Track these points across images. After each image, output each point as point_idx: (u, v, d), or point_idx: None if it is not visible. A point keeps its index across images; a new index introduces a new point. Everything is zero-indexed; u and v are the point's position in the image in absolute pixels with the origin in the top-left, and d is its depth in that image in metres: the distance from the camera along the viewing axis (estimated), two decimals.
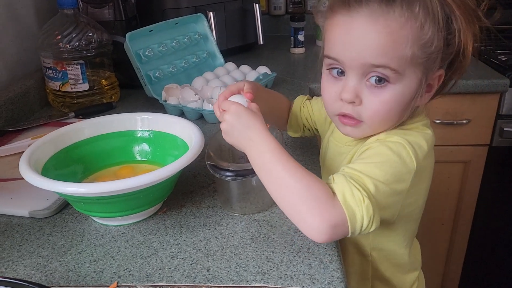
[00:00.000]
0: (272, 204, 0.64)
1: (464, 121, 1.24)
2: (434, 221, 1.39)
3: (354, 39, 0.50)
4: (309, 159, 0.76)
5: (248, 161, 0.55)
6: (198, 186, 0.70)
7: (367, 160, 0.52)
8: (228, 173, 0.59)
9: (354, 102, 0.53)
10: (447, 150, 1.29)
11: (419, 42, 0.49)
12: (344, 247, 0.65)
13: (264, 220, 0.61)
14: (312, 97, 0.76)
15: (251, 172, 0.56)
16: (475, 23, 0.50)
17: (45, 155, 0.62)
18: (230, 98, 0.58)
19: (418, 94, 0.53)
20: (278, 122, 0.75)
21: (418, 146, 0.54)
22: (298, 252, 0.54)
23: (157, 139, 0.70)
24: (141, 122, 0.71)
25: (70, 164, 0.66)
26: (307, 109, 0.74)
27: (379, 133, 0.56)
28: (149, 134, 0.71)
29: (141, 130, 0.71)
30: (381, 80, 0.51)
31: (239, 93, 0.60)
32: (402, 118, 0.55)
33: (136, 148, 0.71)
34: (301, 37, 1.45)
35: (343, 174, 0.50)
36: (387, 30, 0.49)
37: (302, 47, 1.47)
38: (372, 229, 0.49)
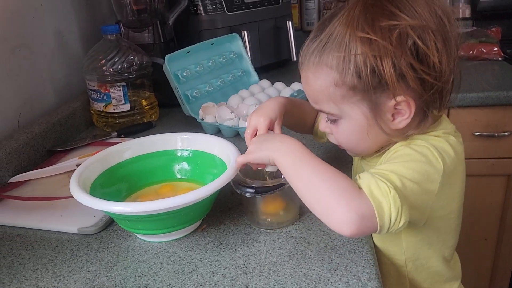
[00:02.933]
0: (297, 217, 0.65)
1: (506, 133, 1.20)
2: (476, 236, 1.34)
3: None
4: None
5: (272, 178, 0.58)
6: (235, 203, 0.71)
7: (393, 161, 0.55)
8: (248, 190, 0.61)
9: (327, 132, 0.64)
10: (489, 163, 1.25)
11: (336, 86, 0.54)
12: (378, 259, 0.64)
13: (301, 237, 0.62)
14: None
15: (272, 188, 0.59)
16: (403, 53, 0.50)
17: (93, 174, 0.66)
18: None
19: (379, 122, 0.55)
20: (303, 129, 0.80)
21: (443, 150, 0.56)
22: (335, 270, 0.55)
23: (197, 158, 0.73)
24: (181, 142, 0.74)
25: (115, 182, 0.69)
26: None
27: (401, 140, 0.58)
28: (189, 153, 0.73)
29: (181, 150, 0.74)
30: (328, 120, 0.61)
31: (272, 129, 0.65)
32: (377, 141, 0.59)
33: (177, 167, 0.74)
34: None
35: (369, 172, 0.52)
36: (309, 83, 0.58)
37: None
38: (401, 224, 0.49)
